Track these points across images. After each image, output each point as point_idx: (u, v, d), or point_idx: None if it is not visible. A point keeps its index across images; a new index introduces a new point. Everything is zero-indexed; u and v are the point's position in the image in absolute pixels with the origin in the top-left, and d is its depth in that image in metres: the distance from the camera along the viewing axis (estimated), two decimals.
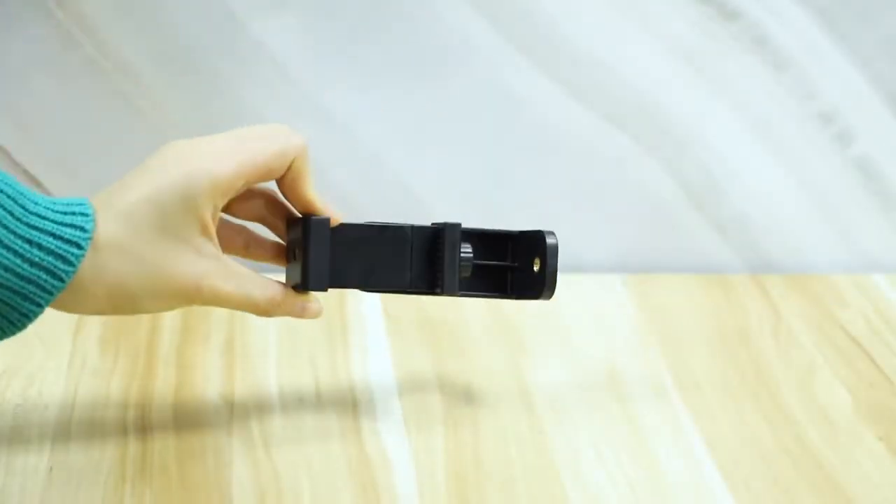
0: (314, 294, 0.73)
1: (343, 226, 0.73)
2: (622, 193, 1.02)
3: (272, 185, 0.73)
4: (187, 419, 0.78)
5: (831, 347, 0.91)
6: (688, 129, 1.00)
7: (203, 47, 0.94)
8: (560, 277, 0.99)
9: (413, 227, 0.75)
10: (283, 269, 0.76)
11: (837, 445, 0.79)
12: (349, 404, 0.81)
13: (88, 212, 0.65)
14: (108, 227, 0.65)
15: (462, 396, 0.82)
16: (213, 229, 0.68)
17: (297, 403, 0.80)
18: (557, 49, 0.97)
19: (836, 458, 0.77)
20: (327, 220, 0.72)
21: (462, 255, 0.75)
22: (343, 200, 0.90)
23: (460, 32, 0.95)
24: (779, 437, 0.80)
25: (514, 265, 0.78)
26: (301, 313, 0.73)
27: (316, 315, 0.74)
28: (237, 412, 0.79)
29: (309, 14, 0.94)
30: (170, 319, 0.90)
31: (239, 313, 0.91)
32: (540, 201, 1.01)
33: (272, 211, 0.75)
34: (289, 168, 0.70)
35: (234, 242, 0.75)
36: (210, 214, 0.68)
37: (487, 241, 0.77)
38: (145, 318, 0.90)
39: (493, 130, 0.99)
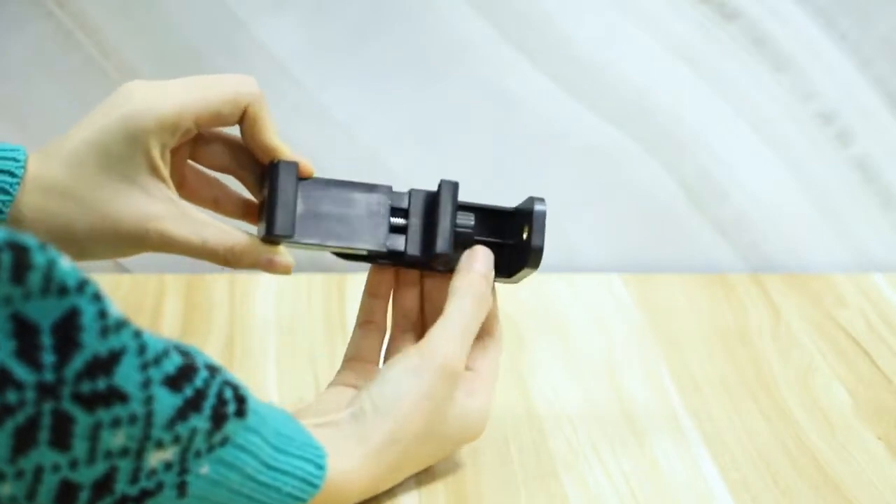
0: (284, 250, 0.69)
1: (316, 180, 0.70)
2: (622, 193, 1.02)
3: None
4: None
5: (831, 347, 0.91)
6: (688, 129, 1.00)
7: (203, 47, 0.94)
8: (560, 277, 0.99)
9: (412, 191, 0.71)
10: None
11: (837, 445, 0.79)
12: None
13: (20, 157, 0.65)
14: (51, 171, 0.65)
15: None
16: (163, 170, 0.66)
17: (298, 403, 0.80)
18: (558, 49, 0.97)
19: (835, 458, 0.77)
20: (295, 164, 0.68)
21: (460, 222, 0.71)
22: None
23: (461, 32, 0.95)
24: (778, 436, 0.80)
25: (508, 242, 0.73)
26: (268, 266, 0.68)
27: (285, 269, 0.68)
28: None
29: (309, 14, 0.94)
30: (170, 318, 0.90)
31: (238, 310, 0.91)
32: None
33: (241, 163, 0.71)
34: (244, 115, 0.68)
35: (203, 194, 0.72)
36: (158, 154, 0.65)
37: (486, 217, 0.73)
38: (145, 316, 0.90)
39: (493, 130, 0.99)
